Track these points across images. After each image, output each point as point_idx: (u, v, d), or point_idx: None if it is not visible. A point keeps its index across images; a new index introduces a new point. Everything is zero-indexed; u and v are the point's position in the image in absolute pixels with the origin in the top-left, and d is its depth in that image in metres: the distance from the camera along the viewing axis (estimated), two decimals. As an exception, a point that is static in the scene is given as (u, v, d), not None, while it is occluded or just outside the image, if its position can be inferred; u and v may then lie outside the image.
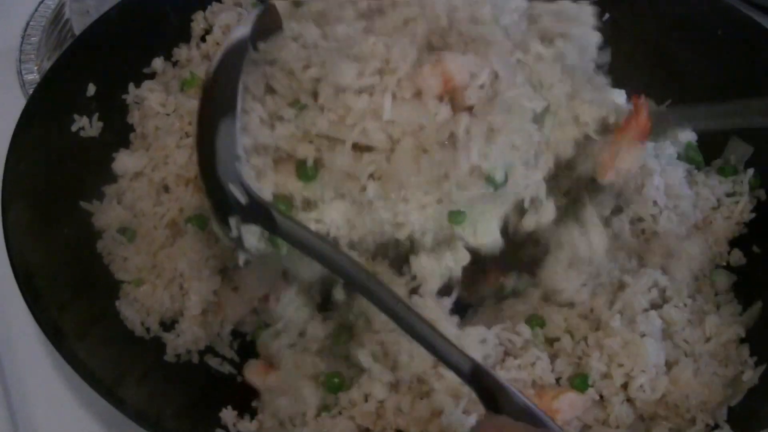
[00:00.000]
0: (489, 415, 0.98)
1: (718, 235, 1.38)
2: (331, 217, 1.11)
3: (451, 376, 1.15)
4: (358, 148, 1.08)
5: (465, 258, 1.16)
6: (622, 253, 1.32)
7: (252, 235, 1.06)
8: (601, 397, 1.20)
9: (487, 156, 1.07)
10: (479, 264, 1.19)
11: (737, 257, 1.38)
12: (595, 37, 1.22)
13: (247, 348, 1.33)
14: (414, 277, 1.18)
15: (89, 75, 1.41)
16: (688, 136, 1.44)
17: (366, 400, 1.18)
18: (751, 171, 1.41)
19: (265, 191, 1.09)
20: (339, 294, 1.21)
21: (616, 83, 1.47)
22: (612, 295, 1.27)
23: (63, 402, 1.29)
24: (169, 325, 1.31)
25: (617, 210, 1.34)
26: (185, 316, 1.30)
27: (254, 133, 1.09)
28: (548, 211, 1.18)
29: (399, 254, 1.19)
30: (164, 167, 1.37)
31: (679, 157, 1.42)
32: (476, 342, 1.19)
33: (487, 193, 1.09)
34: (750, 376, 1.22)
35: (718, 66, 1.50)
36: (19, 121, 1.31)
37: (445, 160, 1.06)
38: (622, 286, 1.27)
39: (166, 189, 1.37)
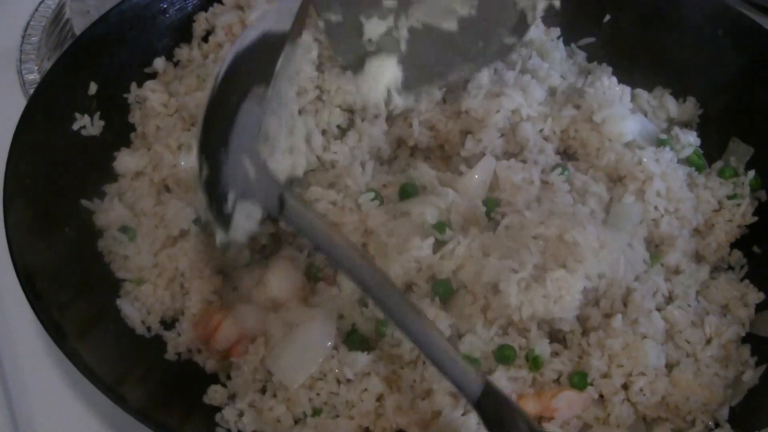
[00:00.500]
0: None
1: (720, 239, 1.38)
2: None
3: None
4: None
5: None
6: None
7: (243, 214, 1.05)
8: (602, 396, 1.20)
9: None
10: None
11: (737, 257, 1.38)
12: None
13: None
14: None
15: (90, 74, 1.42)
16: (691, 141, 1.44)
17: (362, 400, 1.18)
18: (752, 173, 1.41)
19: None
20: None
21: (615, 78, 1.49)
22: (619, 300, 1.27)
23: (64, 400, 1.29)
24: (169, 323, 1.31)
25: None
26: (186, 315, 1.31)
27: None
28: None
29: None
30: (165, 168, 1.38)
31: (679, 161, 1.42)
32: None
33: None
34: (750, 376, 1.22)
35: (718, 65, 1.50)
36: (19, 121, 1.31)
37: None
38: (629, 291, 1.27)
39: (168, 189, 1.37)
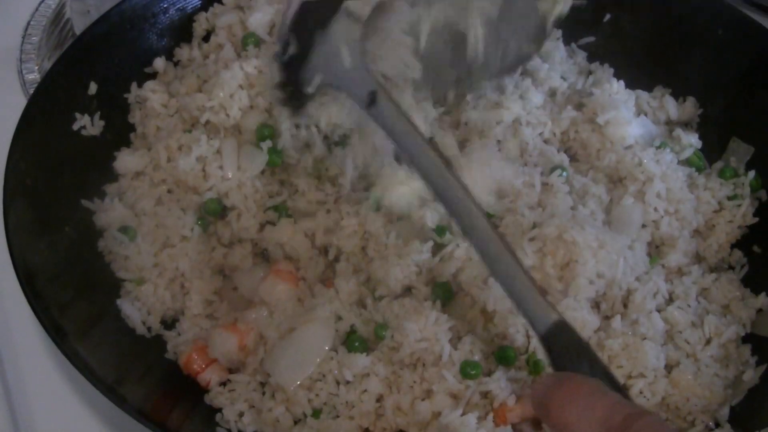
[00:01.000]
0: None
1: (721, 240, 1.38)
2: None
3: (451, 378, 1.16)
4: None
5: None
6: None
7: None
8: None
9: None
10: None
11: (738, 257, 1.38)
12: None
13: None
14: None
15: (90, 74, 1.41)
16: (692, 142, 1.44)
17: (362, 400, 1.18)
18: (752, 173, 1.41)
19: None
20: None
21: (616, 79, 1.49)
22: (619, 301, 1.27)
23: (64, 400, 1.29)
24: (170, 323, 1.31)
25: None
26: (186, 315, 1.31)
27: None
28: None
29: None
30: (166, 168, 1.38)
31: (679, 162, 1.42)
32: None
33: None
34: (751, 376, 1.22)
35: (718, 64, 1.50)
36: (20, 121, 1.31)
37: None
38: (630, 291, 1.27)
39: (168, 190, 1.37)
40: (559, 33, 1.59)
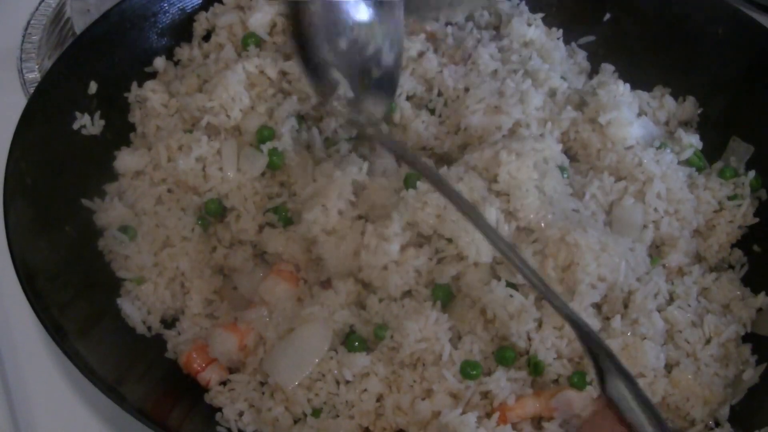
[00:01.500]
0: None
1: (722, 240, 1.38)
2: None
3: (451, 377, 1.16)
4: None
5: None
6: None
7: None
8: (602, 396, 1.20)
9: None
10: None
11: (738, 256, 1.38)
12: None
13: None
14: None
15: (90, 73, 1.42)
16: (693, 142, 1.44)
17: (362, 400, 1.18)
18: (752, 173, 1.40)
19: None
20: None
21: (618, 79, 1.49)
22: (620, 302, 1.27)
23: (64, 399, 1.29)
24: (170, 323, 1.31)
25: None
26: (186, 315, 1.31)
27: None
28: None
29: None
30: (166, 168, 1.38)
31: (679, 163, 1.42)
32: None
33: None
34: (751, 375, 1.22)
35: (718, 64, 1.50)
36: (20, 120, 1.31)
37: None
38: (630, 291, 1.27)
39: (169, 190, 1.37)
40: (559, 33, 1.59)
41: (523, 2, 1.61)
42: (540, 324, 1.21)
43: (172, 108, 1.44)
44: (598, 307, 1.25)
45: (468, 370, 1.17)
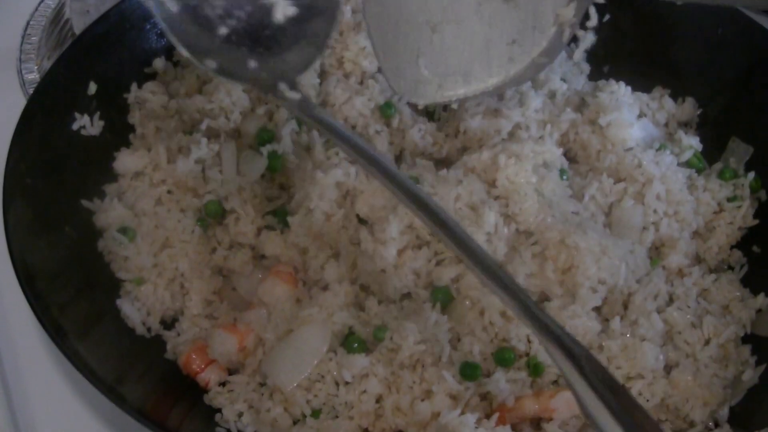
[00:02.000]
0: None
1: (721, 242, 1.38)
2: None
3: (450, 378, 1.16)
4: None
5: None
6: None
7: None
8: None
9: None
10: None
11: (737, 257, 1.38)
12: None
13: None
14: None
15: (90, 74, 1.41)
16: (693, 144, 1.44)
17: (361, 401, 1.18)
18: (751, 174, 1.40)
19: None
20: None
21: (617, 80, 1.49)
22: (619, 304, 1.27)
23: (64, 400, 1.29)
24: (169, 323, 1.31)
25: None
26: (186, 315, 1.31)
27: None
28: None
29: None
30: (165, 169, 1.38)
31: (679, 164, 1.42)
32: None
33: None
34: (750, 376, 1.22)
35: (717, 64, 1.50)
36: (19, 121, 1.31)
37: None
38: (630, 293, 1.27)
39: (168, 191, 1.37)
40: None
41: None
42: None
43: (172, 109, 1.44)
44: (597, 308, 1.25)
45: (467, 371, 1.17)
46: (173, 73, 1.50)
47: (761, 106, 1.45)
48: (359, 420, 1.18)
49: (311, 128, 1.40)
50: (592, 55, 1.60)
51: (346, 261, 1.27)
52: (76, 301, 1.23)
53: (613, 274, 1.22)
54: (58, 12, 1.72)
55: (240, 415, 1.20)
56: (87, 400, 1.28)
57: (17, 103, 1.41)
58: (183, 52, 1.11)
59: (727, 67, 1.50)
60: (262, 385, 1.23)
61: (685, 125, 1.53)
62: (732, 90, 1.49)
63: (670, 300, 1.29)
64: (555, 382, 1.20)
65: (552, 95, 1.45)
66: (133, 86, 1.46)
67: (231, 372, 1.26)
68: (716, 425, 1.20)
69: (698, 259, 1.38)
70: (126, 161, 1.40)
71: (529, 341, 1.21)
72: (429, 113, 1.45)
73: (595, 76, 1.58)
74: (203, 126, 1.37)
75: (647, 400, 1.19)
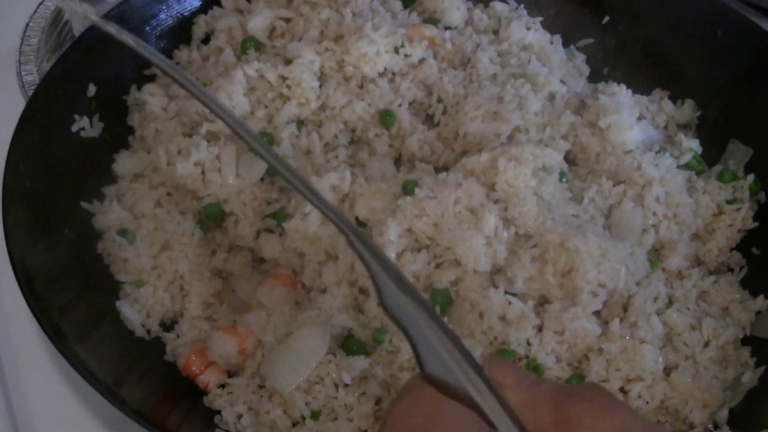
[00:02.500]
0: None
1: (721, 244, 1.38)
2: None
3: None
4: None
5: None
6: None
7: None
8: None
9: None
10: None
11: (737, 258, 1.38)
12: None
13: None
14: None
15: (89, 76, 1.42)
16: (693, 147, 1.44)
17: (360, 403, 1.18)
18: (751, 177, 1.40)
19: None
20: None
21: (617, 82, 1.49)
22: (619, 306, 1.27)
23: (63, 402, 1.29)
24: (169, 325, 1.31)
25: None
26: (185, 317, 1.31)
27: None
28: None
29: None
30: (165, 172, 1.38)
31: (678, 166, 1.42)
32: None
33: None
34: (749, 378, 1.22)
35: (716, 66, 1.50)
36: (18, 122, 1.31)
37: None
38: (630, 296, 1.27)
39: (168, 194, 1.37)
40: (559, 38, 1.59)
41: (522, 6, 1.62)
42: (540, 329, 1.20)
43: (171, 111, 1.44)
44: (597, 311, 1.25)
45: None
46: (173, 75, 1.50)
47: (761, 108, 1.45)
48: (358, 422, 1.18)
49: (311, 132, 1.41)
50: (591, 57, 1.61)
51: (344, 264, 1.27)
52: (76, 303, 1.23)
53: (613, 277, 1.22)
54: (58, 14, 1.73)
55: (239, 417, 1.20)
56: (86, 402, 1.28)
57: (16, 104, 1.41)
58: None
59: (726, 68, 1.50)
60: (261, 387, 1.23)
61: (684, 127, 1.53)
62: (731, 91, 1.50)
63: (670, 302, 1.29)
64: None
65: (551, 97, 1.45)
66: (133, 88, 1.46)
67: (230, 374, 1.26)
68: (716, 427, 1.20)
69: (698, 261, 1.38)
70: (125, 163, 1.40)
71: (528, 344, 1.20)
72: (429, 117, 1.44)
73: (594, 78, 1.59)
74: (203, 129, 1.37)
75: (647, 402, 1.19)
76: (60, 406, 1.29)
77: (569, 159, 1.41)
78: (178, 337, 1.29)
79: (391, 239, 1.23)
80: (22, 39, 1.70)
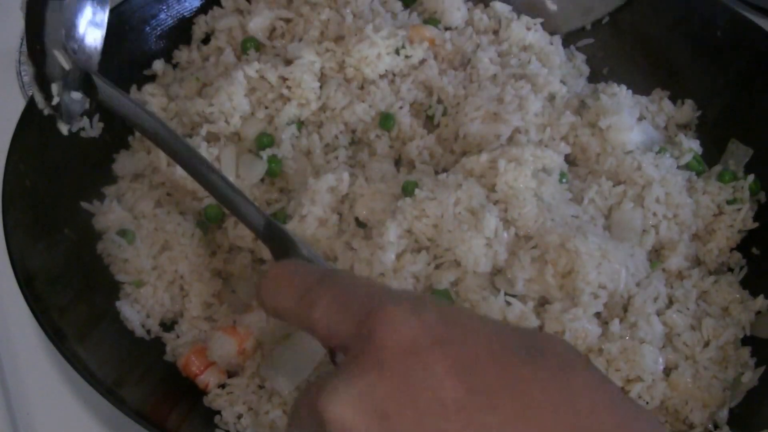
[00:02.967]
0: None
1: (722, 245, 1.37)
2: None
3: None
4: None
5: None
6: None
7: (76, 103, 1.18)
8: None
9: None
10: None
11: (737, 258, 1.38)
12: None
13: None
14: None
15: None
16: (693, 147, 1.43)
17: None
18: (751, 177, 1.40)
19: None
20: None
21: (617, 83, 1.49)
22: (619, 307, 1.27)
23: (63, 402, 1.29)
24: (169, 325, 1.32)
25: None
26: (185, 317, 1.31)
27: None
28: None
29: None
30: (165, 172, 1.37)
31: (679, 167, 1.42)
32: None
33: None
34: (750, 378, 1.22)
35: (716, 66, 1.50)
36: (18, 122, 1.31)
37: None
38: (630, 296, 1.27)
39: (168, 194, 1.37)
40: (559, 39, 1.58)
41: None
42: (540, 330, 1.20)
43: (171, 112, 1.44)
44: (597, 312, 1.25)
45: (467, 373, 1.17)
46: (172, 76, 1.50)
47: (761, 108, 1.45)
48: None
49: (311, 133, 1.40)
50: (591, 57, 1.61)
51: (344, 265, 1.27)
52: (76, 303, 1.23)
53: (613, 278, 1.22)
54: (58, 14, 1.72)
55: (239, 417, 1.20)
56: (86, 402, 1.28)
57: (16, 104, 1.41)
58: None
59: (726, 68, 1.50)
60: (261, 387, 1.23)
61: (684, 127, 1.53)
62: (731, 91, 1.49)
63: (670, 302, 1.29)
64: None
65: (551, 98, 1.45)
66: (133, 88, 1.46)
67: (230, 374, 1.26)
68: (716, 427, 1.20)
69: (698, 262, 1.38)
70: (125, 163, 1.40)
71: None
72: (429, 118, 1.44)
73: (594, 78, 1.59)
74: (203, 131, 1.37)
75: (647, 403, 1.19)
76: (60, 406, 1.29)
77: (569, 159, 1.41)
78: (178, 337, 1.29)
79: (391, 240, 1.23)
80: (22, 39, 1.70)
